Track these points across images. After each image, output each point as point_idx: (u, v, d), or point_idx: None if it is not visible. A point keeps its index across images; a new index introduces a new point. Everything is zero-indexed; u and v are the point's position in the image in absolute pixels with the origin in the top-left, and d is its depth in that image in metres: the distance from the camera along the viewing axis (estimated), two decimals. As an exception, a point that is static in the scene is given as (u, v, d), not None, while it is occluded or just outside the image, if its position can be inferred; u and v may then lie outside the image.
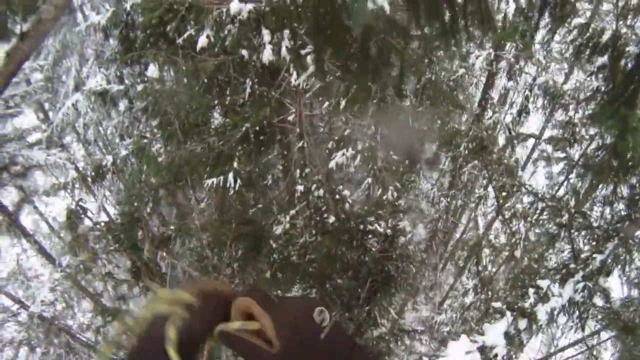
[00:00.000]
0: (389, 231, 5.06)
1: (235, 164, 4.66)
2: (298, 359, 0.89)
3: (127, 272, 6.06)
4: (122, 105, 8.15)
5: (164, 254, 5.48)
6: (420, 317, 8.96)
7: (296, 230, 5.08)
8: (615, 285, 4.71)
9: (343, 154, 4.80)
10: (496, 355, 2.94)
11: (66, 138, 9.61)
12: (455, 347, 2.90)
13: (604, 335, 6.07)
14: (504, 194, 4.18)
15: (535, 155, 7.96)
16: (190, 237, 5.57)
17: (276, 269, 5.26)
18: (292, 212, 5.04)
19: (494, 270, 5.47)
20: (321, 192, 4.93)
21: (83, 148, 9.88)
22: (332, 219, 4.92)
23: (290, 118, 4.97)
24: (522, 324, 3.05)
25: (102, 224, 5.87)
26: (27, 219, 9.50)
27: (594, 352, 6.18)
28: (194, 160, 4.69)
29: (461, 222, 7.59)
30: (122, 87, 7.65)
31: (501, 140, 6.76)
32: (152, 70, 5.49)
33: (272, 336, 0.89)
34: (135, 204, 5.37)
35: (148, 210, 5.57)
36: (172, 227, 5.58)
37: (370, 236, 5.13)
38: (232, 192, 4.63)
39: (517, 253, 4.44)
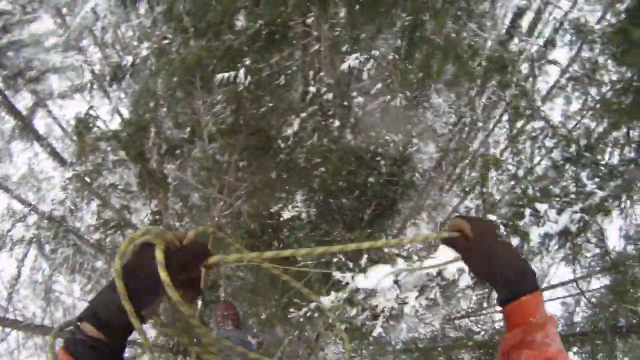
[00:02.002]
0: (400, 153, 5.12)
1: (247, 61, 4.72)
2: (484, 239, 1.55)
3: (134, 181, 6.22)
4: (142, 8, 8.15)
5: (170, 164, 5.60)
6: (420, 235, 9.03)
7: (305, 133, 5.18)
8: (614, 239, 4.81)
9: (356, 58, 4.77)
10: None
11: (83, 42, 9.63)
12: (445, 252, 2.97)
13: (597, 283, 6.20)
14: (515, 115, 4.19)
15: (554, 91, 7.86)
16: (196, 147, 5.61)
17: (282, 170, 5.41)
18: (303, 114, 5.10)
19: (498, 196, 5.51)
20: (331, 96, 4.97)
21: (100, 51, 9.87)
22: (337, 123, 4.99)
23: (310, 21, 4.94)
24: (515, 241, 3.11)
25: (110, 132, 5.91)
26: (40, 123, 9.62)
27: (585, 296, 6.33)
28: (206, 54, 4.72)
29: (473, 145, 7.53)
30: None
31: (524, 70, 6.63)
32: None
33: (469, 232, 1.56)
34: (144, 109, 5.39)
35: (162, 114, 5.62)
36: (185, 132, 5.70)
37: (379, 158, 5.15)
38: (242, 87, 4.73)
39: (520, 172, 4.48)
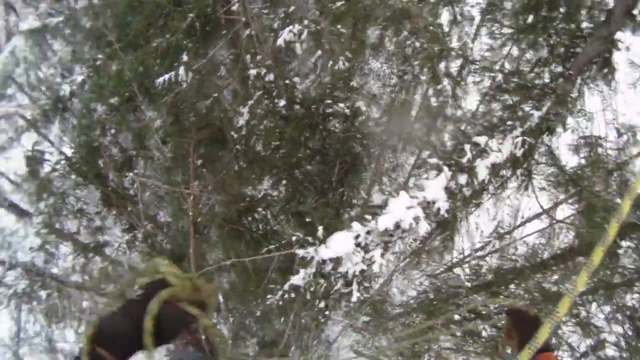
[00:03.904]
0: (347, 111, 5.33)
1: (184, 57, 4.80)
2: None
3: (98, 204, 6.39)
4: (58, 44, 8.35)
5: (130, 176, 5.78)
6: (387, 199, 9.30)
7: (256, 119, 5.36)
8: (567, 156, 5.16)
9: (290, 31, 4.93)
10: (439, 209, 3.30)
11: (8, 90, 9.74)
12: (395, 204, 3.23)
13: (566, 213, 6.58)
14: (426, 57, 4.43)
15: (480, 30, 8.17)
16: (151, 155, 5.90)
17: (242, 161, 5.62)
18: (250, 101, 5.28)
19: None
20: (272, 76, 5.15)
21: (27, 95, 9.98)
22: (282, 103, 5.20)
23: (235, 8, 5.08)
24: (462, 179, 3.36)
25: (63, 162, 6.09)
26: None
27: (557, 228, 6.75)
28: (144, 59, 4.90)
29: (415, 101, 7.77)
30: (60, 18, 7.90)
31: (445, 17, 6.92)
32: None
33: None
34: (91, 133, 5.58)
35: (107, 137, 5.79)
36: (136, 142, 5.86)
37: (330, 118, 5.43)
38: (184, 85, 4.80)
39: (448, 111, 4.75)
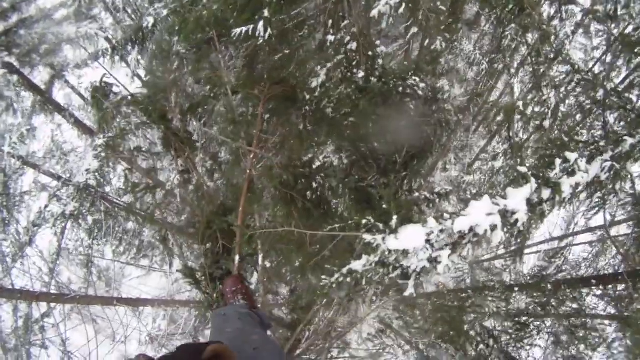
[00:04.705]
0: (429, 94, 5.16)
1: (266, 13, 4.52)
2: None
3: (158, 143, 6.36)
4: (147, -28, 8.26)
5: (194, 121, 5.71)
6: (449, 177, 9.22)
7: (332, 83, 5.18)
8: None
9: (387, 3, 4.55)
10: (517, 220, 3.10)
11: (94, 10, 9.72)
12: (477, 207, 3.04)
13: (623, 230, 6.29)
14: (539, 59, 4.18)
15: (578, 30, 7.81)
16: (219, 102, 5.75)
17: (309, 122, 5.43)
18: (329, 65, 5.10)
19: (524, 137, 5.57)
20: (355, 45, 4.97)
21: (112, 17, 9.93)
22: (360, 74, 5.01)
23: None
24: (546, 193, 3.17)
25: (129, 97, 6.04)
26: (59, 94, 9.94)
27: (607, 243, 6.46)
28: (224, 7, 4.70)
29: (497, 87, 7.59)
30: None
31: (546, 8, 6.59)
32: None
33: None
34: (163, 70, 5.52)
35: (181, 73, 5.70)
36: (206, 88, 5.75)
37: (408, 99, 5.17)
38: (261, 41, 4.55)
39: (546, 123, 4.51)
